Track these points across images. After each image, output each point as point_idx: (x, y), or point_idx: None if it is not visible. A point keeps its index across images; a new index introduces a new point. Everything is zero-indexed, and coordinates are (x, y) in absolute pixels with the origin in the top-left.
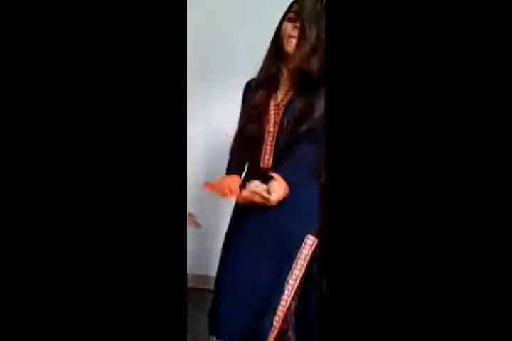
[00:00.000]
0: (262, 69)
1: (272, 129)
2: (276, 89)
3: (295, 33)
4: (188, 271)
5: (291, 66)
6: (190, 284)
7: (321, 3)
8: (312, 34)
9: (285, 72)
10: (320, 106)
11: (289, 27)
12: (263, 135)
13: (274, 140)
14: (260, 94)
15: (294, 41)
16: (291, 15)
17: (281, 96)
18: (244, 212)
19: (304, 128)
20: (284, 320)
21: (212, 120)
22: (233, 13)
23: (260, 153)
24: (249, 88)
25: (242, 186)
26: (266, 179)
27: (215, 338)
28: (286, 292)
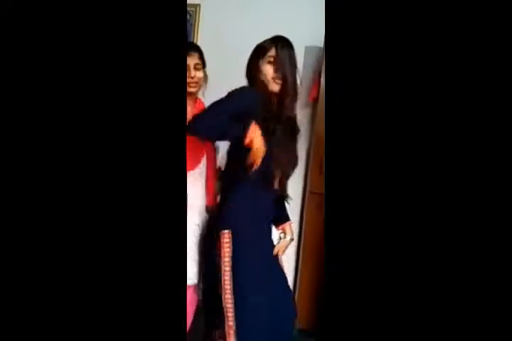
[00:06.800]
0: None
1: None
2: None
3: (278, 76)
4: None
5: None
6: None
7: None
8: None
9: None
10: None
11: (270, 70)
12: None
13: None
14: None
15: (279, 82)
16: (271, 58)
17: None
18: None
19: None
20: None
21: None
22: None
23: None
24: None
25: None
26: None
27: None
28: None
